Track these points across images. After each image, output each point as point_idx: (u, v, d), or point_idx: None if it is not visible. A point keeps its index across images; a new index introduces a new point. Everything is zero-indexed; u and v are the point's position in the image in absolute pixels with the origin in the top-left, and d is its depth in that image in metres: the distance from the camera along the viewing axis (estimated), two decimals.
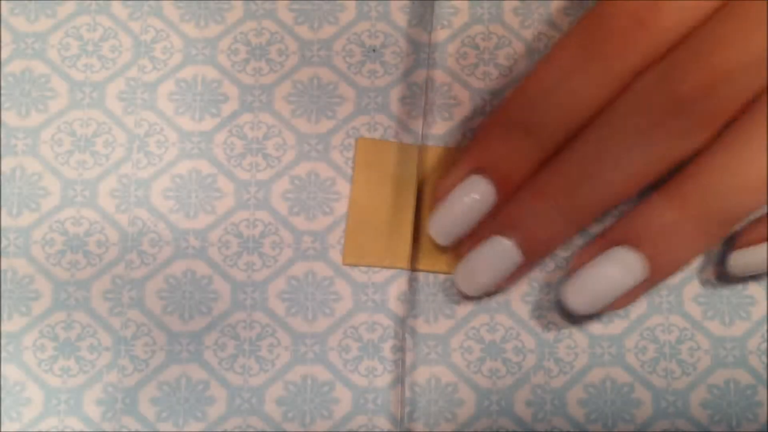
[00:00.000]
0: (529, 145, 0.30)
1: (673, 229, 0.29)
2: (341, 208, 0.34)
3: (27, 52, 0.36)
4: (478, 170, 0.31)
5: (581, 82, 0.29)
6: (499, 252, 0.31)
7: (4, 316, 0.33)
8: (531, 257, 0.31)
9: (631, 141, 0.29)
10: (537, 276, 0.34)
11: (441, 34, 0.36)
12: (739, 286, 0.34)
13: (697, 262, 0.34)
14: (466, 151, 0.32)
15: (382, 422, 0.33)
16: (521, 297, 0.34)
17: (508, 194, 0.31)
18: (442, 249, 0.34)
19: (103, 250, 0.34)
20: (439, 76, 0.36)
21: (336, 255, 0.34)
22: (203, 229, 0.34)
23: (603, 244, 0.31)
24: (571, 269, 0.31)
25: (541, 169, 0.31)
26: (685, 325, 0.34)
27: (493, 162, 0.31)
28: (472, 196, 0.31)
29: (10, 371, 0.33)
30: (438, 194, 0.32)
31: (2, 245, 0.34)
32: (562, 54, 0.30)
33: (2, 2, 0.36)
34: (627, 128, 0.29)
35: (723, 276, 0.33)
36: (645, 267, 0.30)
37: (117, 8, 0.36)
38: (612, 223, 0.31)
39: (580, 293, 0.30)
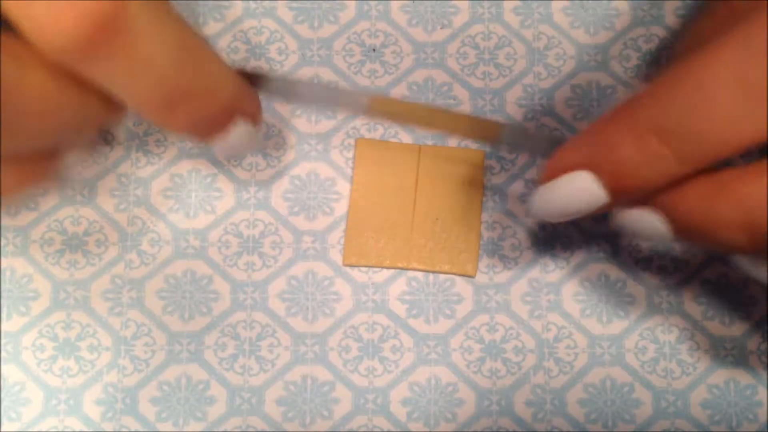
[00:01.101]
0: (663, 158, 0.24)
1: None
2: (341, 208, 0.34)
3: None
4: (593, 168, 0.26)
5: (749, 114, 0.23)
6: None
7: (4, 315, 0.33)
8: (618, 197, 0.26)
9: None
10: (537, 276, 0.34)
11: (441, 34, 0.36)
12: (740, 286, 0.34)
13: (697, 262, 0.34)
14: (583, 137, 0.26)
15: (382, 422, 0.33)
16: (521, 297, 0.34)
17: (620, 202, 0.26)
18: (440, 249, 0.34)
19: (102, 250, 0.34)
20: (439, 76, 0.35)
21: (336, 255, 0.34)
22: (203, 229, 0.34)
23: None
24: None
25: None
26: (685, 325, 0.34)
27: (613, 165, 0.25)
28: (580, 196, 0.26)
29: (10, 371, 0.33)
30: (545, 175, 0.27)
31: (1, 244, 0.34)
32: (722, 66, 0.23)
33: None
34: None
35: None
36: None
37: None
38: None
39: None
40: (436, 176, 0.34)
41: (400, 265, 0.34)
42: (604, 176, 0.25)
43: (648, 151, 0.24)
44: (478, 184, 0.34)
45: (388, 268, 0.34)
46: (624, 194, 0.26)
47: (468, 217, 0.34)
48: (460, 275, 0.34)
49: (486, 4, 0.36)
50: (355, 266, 0.34)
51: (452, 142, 0.35)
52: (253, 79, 0.29)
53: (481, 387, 0.33)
